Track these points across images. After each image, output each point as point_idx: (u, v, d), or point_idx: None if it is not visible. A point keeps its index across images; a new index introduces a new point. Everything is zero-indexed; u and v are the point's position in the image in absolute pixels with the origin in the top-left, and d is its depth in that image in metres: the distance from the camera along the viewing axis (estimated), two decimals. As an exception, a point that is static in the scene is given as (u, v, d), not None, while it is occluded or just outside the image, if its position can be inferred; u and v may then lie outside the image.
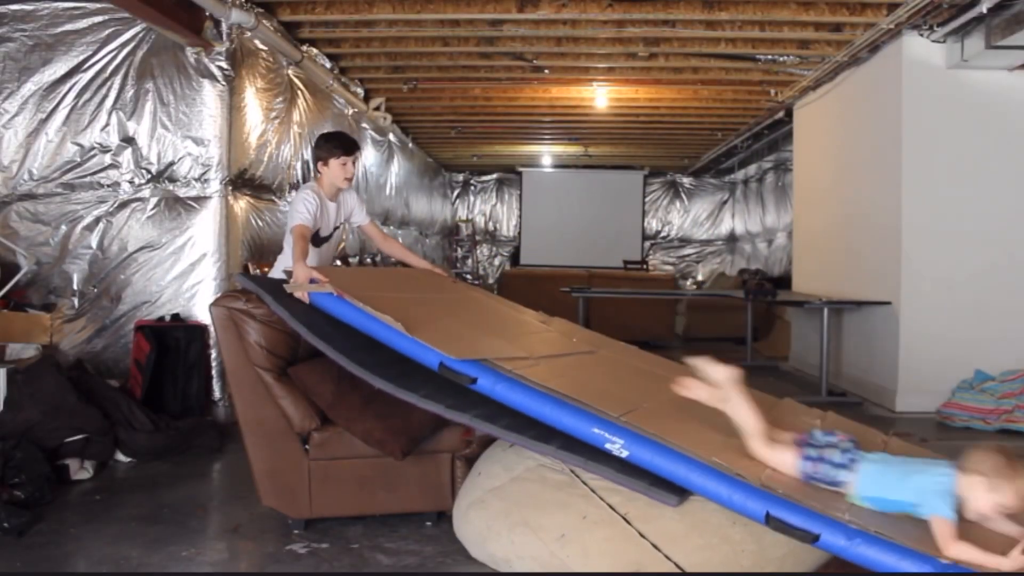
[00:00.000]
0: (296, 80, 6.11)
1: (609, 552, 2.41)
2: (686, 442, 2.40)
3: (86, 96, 4.86)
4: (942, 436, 4.82)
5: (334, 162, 3.56)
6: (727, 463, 2.32)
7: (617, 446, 2.38)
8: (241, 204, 5.14)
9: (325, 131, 3.68)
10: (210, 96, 4.91)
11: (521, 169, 14.33)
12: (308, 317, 2.85)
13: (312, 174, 3.76)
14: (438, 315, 3.07)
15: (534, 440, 2.48)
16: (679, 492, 2.37)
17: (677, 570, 2.36)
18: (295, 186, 6.14)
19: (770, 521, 2.23)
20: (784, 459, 2.39)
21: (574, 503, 2.50)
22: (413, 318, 2.79)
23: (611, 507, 2.46)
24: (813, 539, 2.19)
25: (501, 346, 2.85)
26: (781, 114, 8.39)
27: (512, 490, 2.62)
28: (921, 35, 5.42)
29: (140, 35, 4.85)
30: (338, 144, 3.59)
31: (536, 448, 2.50)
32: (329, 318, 2.87)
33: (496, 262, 14.92)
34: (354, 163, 3.64)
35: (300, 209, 3.41)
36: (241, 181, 5.15)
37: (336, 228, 3.75)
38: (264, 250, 5.51)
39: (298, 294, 2.91)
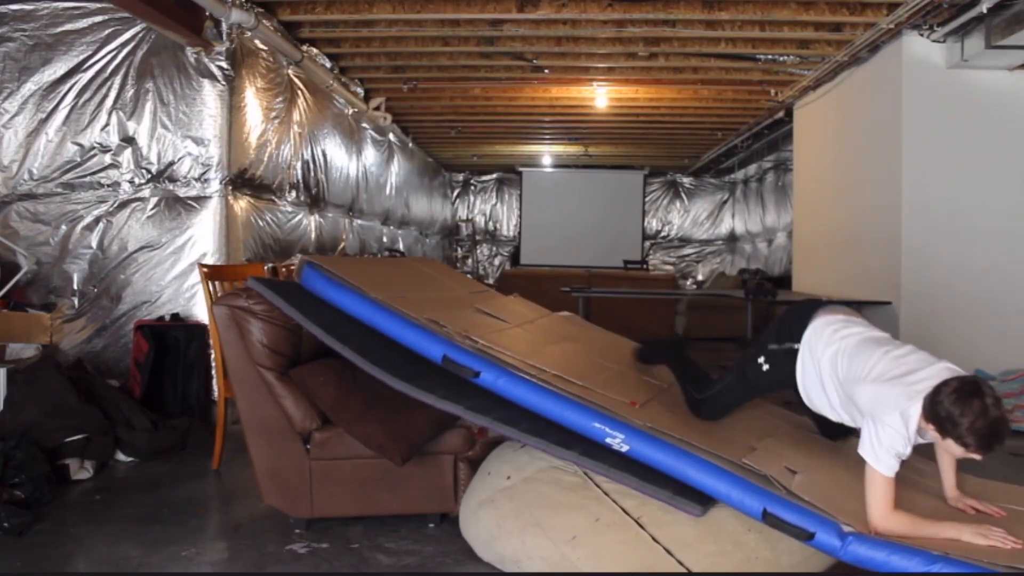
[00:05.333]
0: (296, 80, 6.11)
1: (621, 555, 2.40)
2: (688, 437, 2.43)
3: (86, 96, 4.86)
4: (942, 436, 4.81)
5: (954, 445, 2.29)
6: (729, 456, 2.35)
7: (618, 440, 2.43)
8: (241, 204, 5.15)
9: (971, 398, 2.29)
10: (210, 96, 4.91)
11: (521, 169, 14.33)
12: (324, 318, 2.86)
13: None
14: (448, 307, 3.09)
15: (556, 445, 2.50)
16: (703, 501, 2.38)
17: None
18: (295, 186, 6.14)
19: (767, 517, 2.26)
20: None
21: (587, 505, 2.50)
22: (420, 308, 2.85)
23: (624, 511, 2.45)
24: (808, 537, 2.21)
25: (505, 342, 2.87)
26: (781, 114, 8.39)
27: (523, 490, 2.62)
28: (921, 35, 5.42)
29: (140, 35, 4.85)
30: (981, 440, 2.25)
31: (558, 453, 2.52)
32: (345, 317, 2.87)
33: (496, 262, 14.91)
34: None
35: (892, 452, 2.30)
36: (241, 181, 5.15)
37: None
38: (268, 250, 5.51)
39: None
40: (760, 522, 2.29)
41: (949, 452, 2.41)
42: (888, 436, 2.30)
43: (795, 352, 2.65)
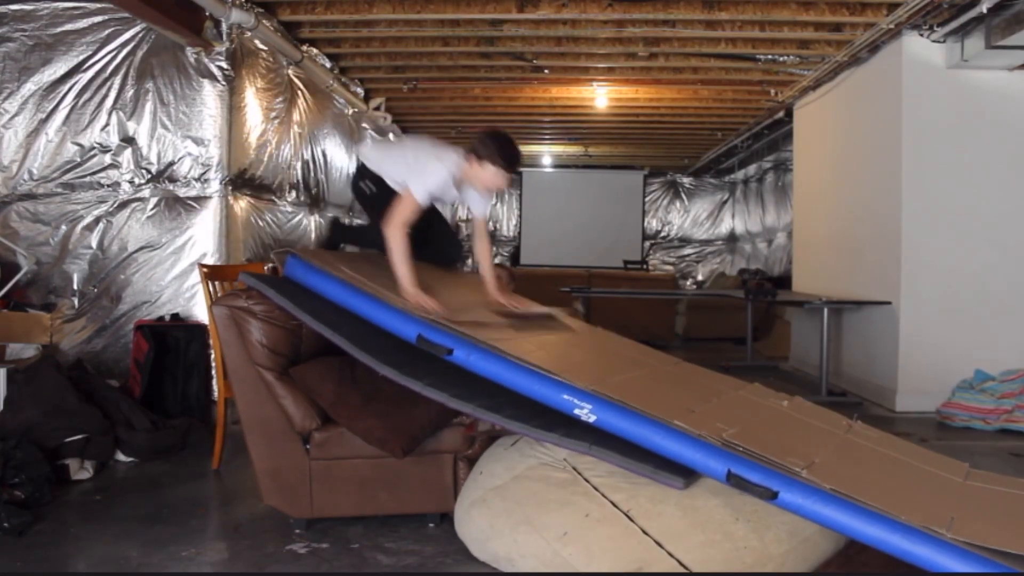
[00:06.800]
0: (296, 80, 6.11)
1: (612, 550, 2.41)
2: (652, 407, 2.47)
3: (86, 96, 4.86)
4: (942, 436, 4.82)
5: (490, 168, 3.16)
6: (690, 425, 2.39)
7: (585, 411, 2.49)
8: (241, 204, 5.15)
9: (499, 131, 3.31)
10: (210, 96, 4.91)
11: (521, 169, 14.33)
12: (312, 306, 2.90)
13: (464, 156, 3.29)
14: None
15: (538, 428, 2.53)
16: (685, 474, 2.40)
17: (680, 568, 2.36)
18: (295, 186, 6.14)
19: (731, 478, 2.29)
20: None
21: (577, 501, 2.51)
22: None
23: (614, 504, 2.47)
24: (772, 496, 2.24)
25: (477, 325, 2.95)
26: (781, 114, 8.39)
27: (514, 489, 2.63)
28: (921, 35, 5.42)
29: (140, 35, 4.86)
30: (504, 157, 3.16)
31: (540, 436, 2.54)
32: (333, 307, 2.92)
33: (496, 262, 14.90)
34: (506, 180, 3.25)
35: (426, 184, 3.10)
36: (241, 181, 5.15)
37: (438, 202, 3.56)
38: (268, 250, 5.51)
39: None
40: (725, 484, 2.32)
41: (474, 179, 3.22)
42: (431, 174, 3.13)
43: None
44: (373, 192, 3.40)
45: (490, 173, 3.18)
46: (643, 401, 2.51)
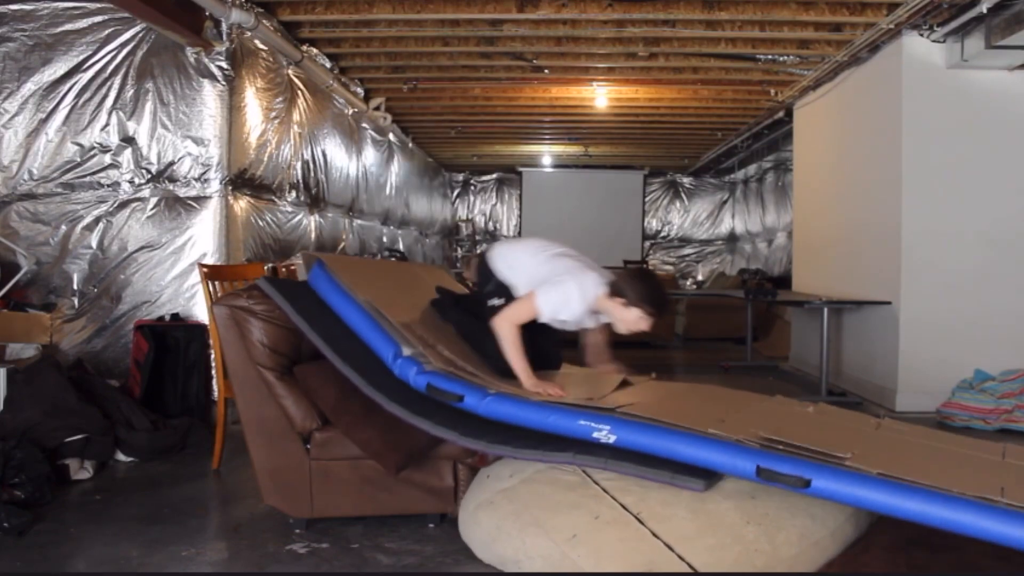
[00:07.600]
0: (296, 80, 6.11)
1: (621, 552, 2.40)
2: (678, 419, 2.48)
3: (86, 96, 4.86)
4: (942, 436, 4.81)
5: (635, 312, 2.95)
6: (700, 428, 2.41)
7: (604, 432, 2.47)
8: (241, 204, 5.15)
9: (646, 272, 3.15)
10: (210, 96, 4.91)
11: (521, 169, 14.34)
12: (329, 331, 2.89)
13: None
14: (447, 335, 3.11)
15: (552, 451, 2.53)
16: (704, 476, 2.41)
17: (690, 570, 2.35)
18: (295, 186, 6.14)
19: (761, 473, 2.29)
20: None
21: (586, 503, 2.50)
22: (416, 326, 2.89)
23: (624, 507, 2.46)
24: (804, 484, 2.24)
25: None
26: (781, 114, 8.39)
27: (523, 491, 2.62)
28: (921, 35, 5.42)
29: (140, 35, 4.86)
30: (653, 303, 2.95)
31: (554, 459, 2.54)
32: (349, 332, 2.91)
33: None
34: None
35: (556, 308, 2.95)
36: (241, 181, 5.15)
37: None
38: (268, 250, 5.51)
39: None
40: (755, 481, 2.32)
41: (614, 318, 3.03)
42: (561, 299, 2.96)
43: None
44: (499, 306, 3.04)
45: (634, 316, 2.97)
46: (668, 415, 2.50)
